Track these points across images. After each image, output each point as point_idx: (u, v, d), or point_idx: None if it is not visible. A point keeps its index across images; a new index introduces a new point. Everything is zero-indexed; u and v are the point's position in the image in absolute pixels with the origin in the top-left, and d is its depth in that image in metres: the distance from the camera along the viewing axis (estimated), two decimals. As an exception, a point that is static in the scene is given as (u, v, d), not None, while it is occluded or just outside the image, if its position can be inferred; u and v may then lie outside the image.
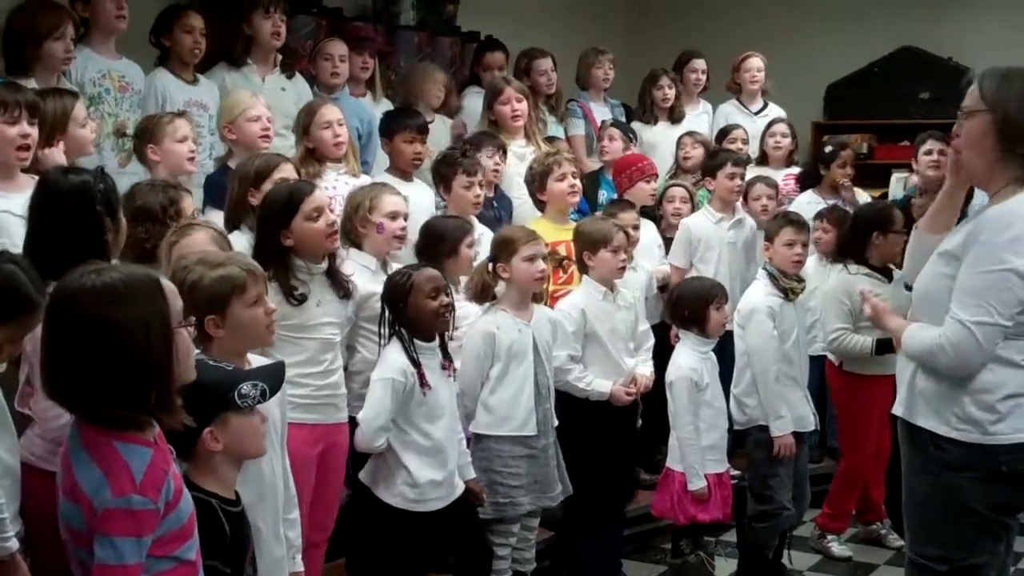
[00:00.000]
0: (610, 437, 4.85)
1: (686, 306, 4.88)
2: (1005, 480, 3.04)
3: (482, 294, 4.51)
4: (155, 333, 2.34)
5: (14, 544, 2.92)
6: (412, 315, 3.97)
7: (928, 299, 3.14)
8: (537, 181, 5.34)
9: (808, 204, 6.22)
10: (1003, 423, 3.02)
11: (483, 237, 5.00)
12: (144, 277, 2.41)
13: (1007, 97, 2.95)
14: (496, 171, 5.54)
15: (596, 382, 4.76)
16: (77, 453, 2.31)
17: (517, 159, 5.84)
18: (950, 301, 3.01)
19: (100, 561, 2.25)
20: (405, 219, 4.46)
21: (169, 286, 2.46)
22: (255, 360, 3.27)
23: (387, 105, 6.09)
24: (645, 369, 4.93)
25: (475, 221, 5.06)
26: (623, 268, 4.81)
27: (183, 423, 2.43)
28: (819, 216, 5.85)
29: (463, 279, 4.60)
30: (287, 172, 4.28)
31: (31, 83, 4.39)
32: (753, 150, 6.92)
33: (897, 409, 3.24)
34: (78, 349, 2.30)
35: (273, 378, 2.90)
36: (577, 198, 5.36)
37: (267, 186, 4.18)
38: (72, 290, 2.36)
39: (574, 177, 5.28)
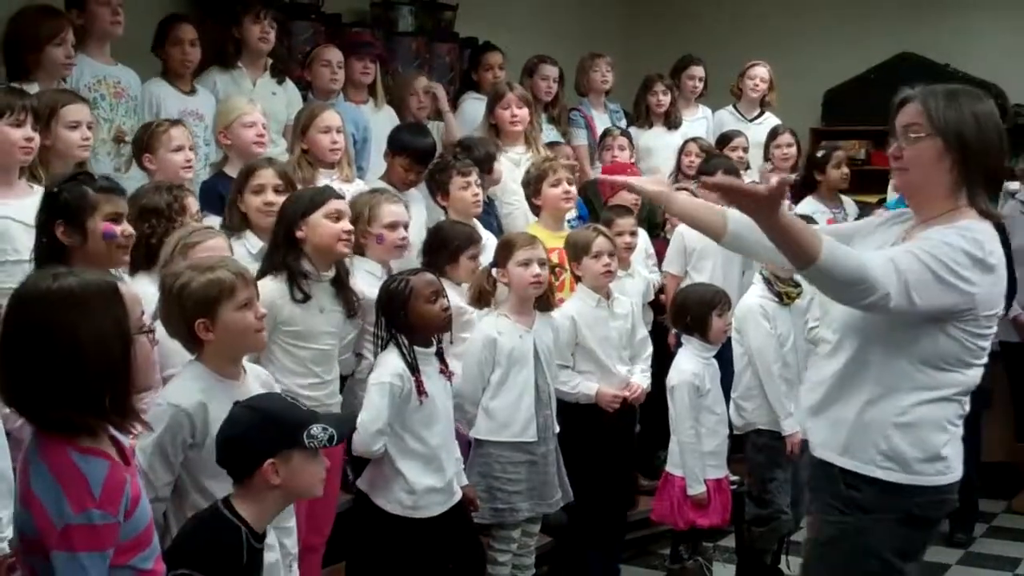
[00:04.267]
0: (609, 444, 4.86)
1: (689, 312, 4.88)
2: (913, 524, 2.85)
3: (479, 299, 4.53)
4: (111, 338, 2.33)
5: (5, 547, 2.92)
6: (413, 320, 3.97)
7: (855, 323, 2.86)
8: (532, 186, 5.36)
9: (812, 213, 6.22)
10: (930, 464, 2.81)
11: (488, 243, 5.03)
12: (101, 282, 2.41)
13: (958, 120, 2.80)
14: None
15: (582, 384, 4.77)
16: (35, 463, 2.29)
17: (513, 165, 5.85)
18: (879, 324, 2.77)
19: None
20: (406, 228, 4.45)
21: (129, 292, 2.45)
22: (249, 368, 3.29)
23: (388, 112, 6.10)
24: (642, 380, 4.93)
25: (480, 228, 5.08)
26: (608, 273, 4.80)
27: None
28: None
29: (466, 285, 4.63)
30: (264, 179, 4.25)
31: (33, 88, 4.40)
32: (754, 157, 6.94)
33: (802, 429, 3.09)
34: (31, 353, 2.29)
35: (343, 425, 2.94)
36: (570, 205, 5.34)
37: (246, 193, 4.22)
38: (27, 294, 2.36)
39: (569, 184, 5.26)
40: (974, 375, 2.84)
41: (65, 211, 3.31)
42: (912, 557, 2.91)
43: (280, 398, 2.96)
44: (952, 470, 2.84)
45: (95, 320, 2.31)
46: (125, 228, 3.40)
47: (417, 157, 5.24)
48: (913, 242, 2.76)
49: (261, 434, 2.76)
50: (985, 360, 2.87)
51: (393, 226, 4.39)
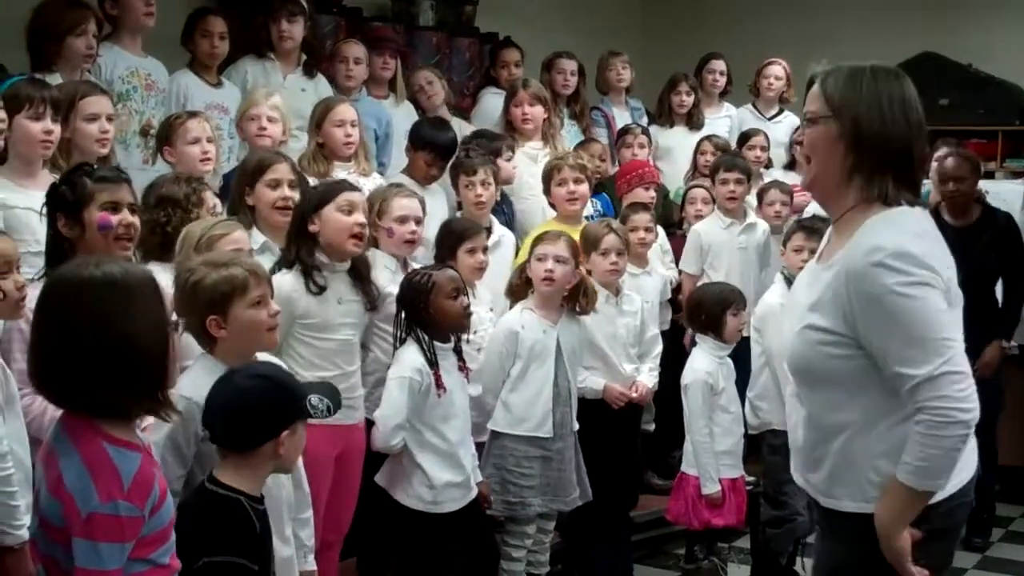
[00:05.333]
0: (613, 440, 4.85)
1: (704, 311, 4.88)
2: (927, 539, 2.59)
3: (511, 293, 4.56)
4: (155, 327, 2.35)
5: (25, 534, 2.93)
6: (433, 315, 3.97)
7: (802, 366, 2.68)
8: (544, 184, 5.37)
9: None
10: None
11: (503, 239, 5.04)
12: (141, 273, 2.43)
13: (856, 100, 2.58)
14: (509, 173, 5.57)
15: (589, 379, 4.75)
16: (65, 450, 2.29)
17: (530, 160, 5.85)
18: (823, 367, 2.60)
19: (82, 565, 2.24)
20: (418, 223, 4.43)
21: (162, 286, 2.46)
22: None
23: (408, 107, 6.11)
24: (648, 379, 4.92)
25: (495, 224, 5.09)
26: (614, 271, 4.79)
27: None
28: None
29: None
30: (280, 173, 4.18)
31: (55, 78, 4.42)
32: (776, 156, 6.91)
33: (797, 477, 2.80)
34: (72, 337, 2.29)
35: (334, 396, 2.94)
36: (576, 206, 5.27)
37: (260, 187, 4.16)
38: (70, 279, 2.36)
39: (576, 183, 5.22)
40: None
41: (64, 203, 3.33)
42: (938, 570, 2.67)
43: (276, 366, 2.95)
44: (955, 474, 2.58)
45: (140, 308, 2.33)
46: (124, 217, 3.37)
47: (439, 151, 5.25)
48: (873, 331, 2.50)
49: (278, 404, 2.77)
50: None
51: (403, 220, 4.38)
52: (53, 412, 2.63)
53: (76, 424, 2.32)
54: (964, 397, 2.46)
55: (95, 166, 3.51)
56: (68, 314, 2.31)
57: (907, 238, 2.51)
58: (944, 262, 2.57)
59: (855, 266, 2.52)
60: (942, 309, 2.49)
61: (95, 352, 2.27)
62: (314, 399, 2.82)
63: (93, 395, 2.29)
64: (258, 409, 2.76)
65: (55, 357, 2.31)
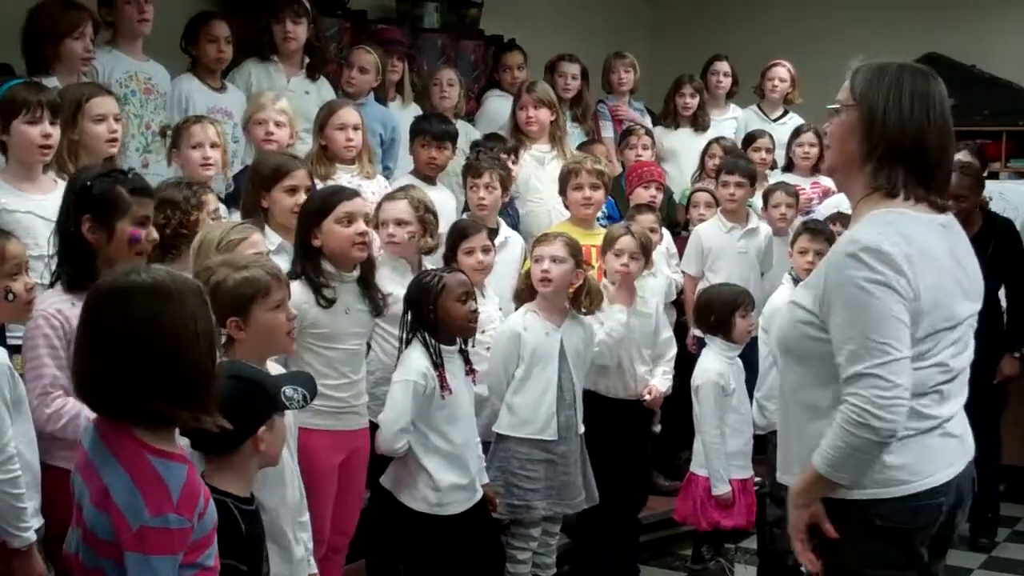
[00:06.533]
0: (624, 443, 4.85)
1: (713, 312, 4.87)
2: (883, 536, 2.57)
3: (518, 298, 4.57)
4: (204, 333, 2.33)
5: (32, 536, 2.94)
6: (440, 317, 3.97)
7: (783, 343, 2.75)
8: (560, 186, 5.37)
9: (839, 207, 6.17)
10: (868, 476, 2.56)
11: (509, 240, 5.06)
12: (189, 280, 2.41)
13: (876, 91, 2.63)
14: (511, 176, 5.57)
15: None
16: (106, 461, 2.27)
17: (537, 163, 5.86)
18: (801, 345, 2.65)
19: None
20: (399, 224, 4.35)
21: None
22: (274, 369, 3.26)
23: (415, 110, 6.11)
24: (661, 383, 4.92)
25: (502, 225, 5.11)
26: (623, 271, 4.77)
27: (218, 425, 2.39)
28: (834, 220, 5.81)
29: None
30: (298, 180, 4.19)
31: (52, 81, 4.41)
32: (780, 158, 6.90)
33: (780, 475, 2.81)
34: (125, 345, 2.25)
35: (309, 385, 2.89)
36: (590, 210, 5.28)
37: (277, 192, 4.16)
38: (120, 287, 2.32)
39: (592, 189, 5.22)
40: (920, 376, 2.55)
41: (95, 207, 3.30)
42: (900, 567, 2.62)
43: (246, 364, 2.90)
44: (917, 475, 2.57)
45: (190, 315, 2.31)
46: (150, 232, 3.39)
47: (431, 136, 5.26)
48: (831, 317, 2.56)
49: (255, 401, 2.73)
50: (937, 359, 2.59)
51: (383, 223, 4.36)
52: (87, 414, 2.60)
53: (114, 434, 2.29)
54: (884, 406, 2.47)
55: (127, 173, 3.48)
56: (119, 321, 2.27)
57: (888, 237, 2.54)
58: (927, 275, 2.56)
59: (835, 254, 2.62)
60: (895, 315, 2.50)
61: (146, 360, 2.25)
62: (288, 390, 2.77)
63: (139, 403, 2.26)
64: (231, 409, 2.65)
65: (104, 364, 2.27)
